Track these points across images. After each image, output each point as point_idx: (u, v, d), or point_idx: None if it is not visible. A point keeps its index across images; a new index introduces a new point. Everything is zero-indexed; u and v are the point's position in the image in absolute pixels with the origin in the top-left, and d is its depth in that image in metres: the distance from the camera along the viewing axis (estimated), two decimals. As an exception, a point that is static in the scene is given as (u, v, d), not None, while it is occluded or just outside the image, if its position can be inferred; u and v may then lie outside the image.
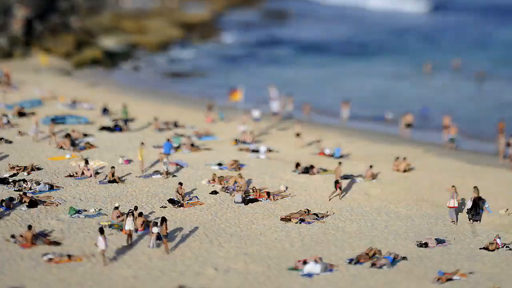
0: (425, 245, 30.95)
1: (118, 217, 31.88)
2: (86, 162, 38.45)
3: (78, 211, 32.78)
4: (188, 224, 32.28)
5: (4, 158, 40.27)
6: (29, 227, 29.42)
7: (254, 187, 36.98)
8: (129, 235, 29.76)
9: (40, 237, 29.64)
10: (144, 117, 53.15)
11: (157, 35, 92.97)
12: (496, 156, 47.28)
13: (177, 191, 34.80)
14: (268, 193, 36.19)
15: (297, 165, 41.21)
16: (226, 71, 78.77)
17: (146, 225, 31.30)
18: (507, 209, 35.54)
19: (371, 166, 40.48)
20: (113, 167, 37.53)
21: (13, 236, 29.52)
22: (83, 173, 37.65)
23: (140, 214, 31.56)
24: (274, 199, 35.81)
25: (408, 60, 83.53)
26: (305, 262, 28.34)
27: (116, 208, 32.30)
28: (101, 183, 36.78)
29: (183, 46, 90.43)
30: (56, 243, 29.42)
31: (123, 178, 37.69)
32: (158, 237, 29.50)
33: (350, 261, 29.02)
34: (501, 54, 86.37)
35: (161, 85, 71.49)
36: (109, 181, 36.82)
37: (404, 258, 29.59)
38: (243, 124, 50.32)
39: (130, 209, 31.51)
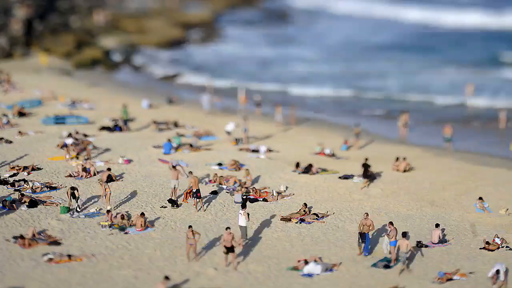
0: (425, 245, 30.93)
1: (115, 217, 31.82)
2: (86, 159, 39.10)
3: (76, 210, 32.69)
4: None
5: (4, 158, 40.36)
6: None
7: (254, 187, 36.99)
8: None
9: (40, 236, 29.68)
10: (144, 117, 53.22)
11: (157, 35, 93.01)
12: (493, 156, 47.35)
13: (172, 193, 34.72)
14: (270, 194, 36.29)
15: (297, 165, 41.22)
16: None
17: (147, 226, 31.41)
18: (507, 209, 35.54)
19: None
20: (109, 168, 37.50)
21: (15, 237, 29.55)
22: (84, 169, 37.67)
23: (142, 214, 31.55)
24: (273, 199, 35.84)
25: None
26: (306, 262, 28.31)
27: (108, 211, 32.25)
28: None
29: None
30: (56, 243, 29.43)
31: (119, 177, 37.73)
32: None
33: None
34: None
35: (161, 85, 71.64)
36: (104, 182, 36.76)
37: (404, 258, 29.61)
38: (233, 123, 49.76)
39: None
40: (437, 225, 31.58)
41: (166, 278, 25.39)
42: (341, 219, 33.84)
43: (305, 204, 34.04)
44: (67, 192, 33.12)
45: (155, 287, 25.63)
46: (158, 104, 58.79)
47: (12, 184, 35.64)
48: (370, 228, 29.93)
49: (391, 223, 29.62)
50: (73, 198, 32.84)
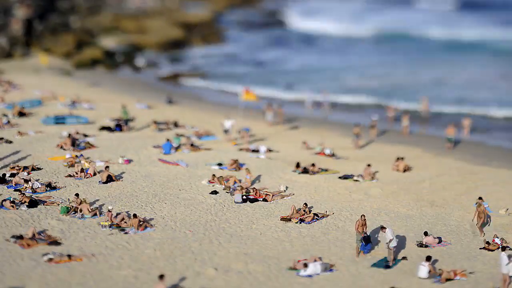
0: (426, 245, 30.93)
1: (115, 217, 31.80)
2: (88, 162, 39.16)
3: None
4: (188, 224, 32.29)
5: (5, 158, 40.38)
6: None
7: (254, 187, 36.98)
8: None
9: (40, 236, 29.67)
10: (144, 117, 53.26)
11: (157, 35, 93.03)
12: (494, 157, 47.31)
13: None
14: (270, 195, 36.21)
15: (297, 165, 41.22)
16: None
17: (145, 226, 31.44)
18: (507, 209, 35.55)
19: (369, 165, 40.48)
20: (107, 167, 37.52)
21: (14, 237, 29.53)
22: (82, 170, 37.72)
23: (135, 216, 31.45)
24: (272, 199, 35.81)
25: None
26: (305, 265, 28.18)
27: (109, 210, 32.27)
28: (101, 183, 36.77)
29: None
30: (56, 243, 29.42)
31: (119, 177, 37.74)
32: None
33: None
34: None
35: (161, 85, 71.66)
36: (103, 182, 36.78)
37: (404, 258, 29.60)
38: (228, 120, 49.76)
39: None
40: (425, 233, 31.56)
41: (161, 276, 25.31)
42: (341, 219, 33.83)
43: (306, 204, 34.04)
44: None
45: (155, 287, 25.63)
46: (156, 104, 58.86)
47: (13, 176, 35.58)
48: (365, 227, 30.03)
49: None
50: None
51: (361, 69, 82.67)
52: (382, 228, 29.49)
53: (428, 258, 28.08)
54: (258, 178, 39.12)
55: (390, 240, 28.88)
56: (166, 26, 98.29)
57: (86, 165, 38.87)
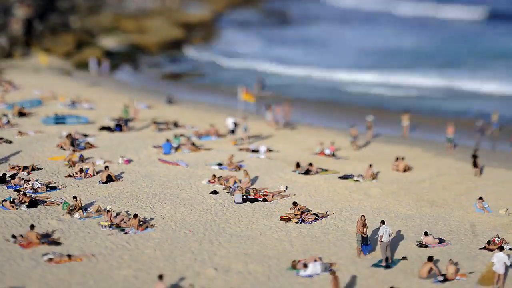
0: (426, 245, 30.93)
1: (115, 217, 31.81)
2: (82, 160, 39.32)
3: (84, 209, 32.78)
4: (188, 224, 32.28)
5: (5, 158, 40.37)
6: (32, 226, 29.47)
7: (254, 188, 36.97)
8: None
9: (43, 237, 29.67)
10: (144, 117, 53.24)
11: (157, 35, 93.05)
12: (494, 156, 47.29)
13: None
14: (270, 195, 36.20)
15: (298, 165, 41.21)
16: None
17: (146, 226, 31.43)
18: (507, 209, 35.55)
19: (370, 166, 40.50)
20: (106, 167, 37.52)
21: (14, 236, 29.52)
22: (81, 170, 37.70)
23: (135, 216, 31.44)
24: (272, 199, 35.80)
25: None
26: (305, 265, 28.18)
27: (108, 210, 32.28)
28: (101, 183, 36.77)
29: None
30: (56, 243, 29.42)
31: (119, 177, 37.72)
32: None
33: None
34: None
35: (161, 85, 71.66)
36: (103, 182, 36.78)
37: (404, 258, 29.59)
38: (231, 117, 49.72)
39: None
40: (425, 233, 31.55)
41: (160, 276, 25.35)
42: (341, 219, 33.83)
43: (295, 203, 33.78)
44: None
45: (155, 287, 25.63)
46: (156, 104, 58.87)
47: (13, 177, 35.54)
48: (366, 227, 30.02)
49: None
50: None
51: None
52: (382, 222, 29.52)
53: (430, 258, 28.06)
54: (258, 178, 39.11)
55: (380, 236, 28.88)
56: (166, 26, 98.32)
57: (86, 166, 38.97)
